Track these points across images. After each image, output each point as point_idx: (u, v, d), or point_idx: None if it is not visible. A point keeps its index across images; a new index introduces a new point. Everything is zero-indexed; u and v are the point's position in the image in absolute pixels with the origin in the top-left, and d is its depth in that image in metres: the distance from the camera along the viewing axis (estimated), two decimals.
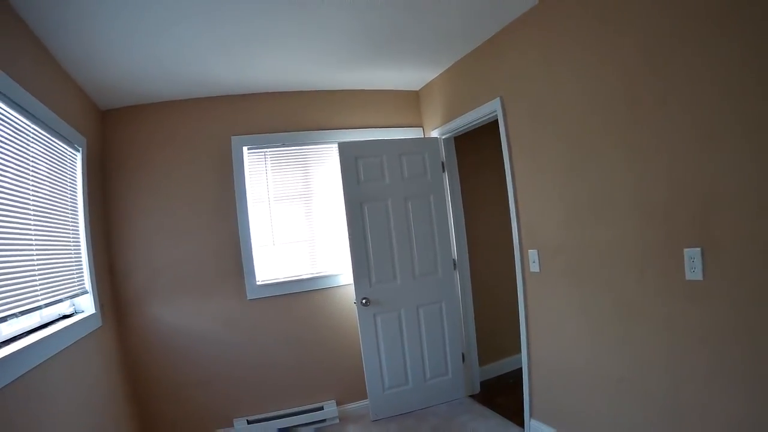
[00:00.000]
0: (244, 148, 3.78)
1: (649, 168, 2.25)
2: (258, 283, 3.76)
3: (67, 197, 2.79)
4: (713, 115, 1.93)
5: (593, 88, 2.52)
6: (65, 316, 2.72)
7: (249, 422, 3.74)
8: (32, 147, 2.29)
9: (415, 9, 2.67)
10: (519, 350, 4.30)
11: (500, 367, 4.40)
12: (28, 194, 2.22)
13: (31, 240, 2.22)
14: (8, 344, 1.96)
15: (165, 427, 3.66)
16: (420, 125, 4.29)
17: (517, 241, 3.24)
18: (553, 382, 3.09)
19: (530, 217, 3.14)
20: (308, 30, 2.84)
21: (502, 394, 4.01)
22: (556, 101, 2.79)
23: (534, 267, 3.12)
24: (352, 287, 3.78)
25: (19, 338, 2.08)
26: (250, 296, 3.74)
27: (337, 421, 3.88)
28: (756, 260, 1.84)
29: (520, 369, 4.21)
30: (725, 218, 1.94)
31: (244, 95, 3.80)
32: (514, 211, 3.25)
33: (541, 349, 3.17)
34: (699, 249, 2.04)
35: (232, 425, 3.74)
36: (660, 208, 2.22)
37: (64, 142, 2.74)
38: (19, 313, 2.05)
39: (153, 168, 3.62)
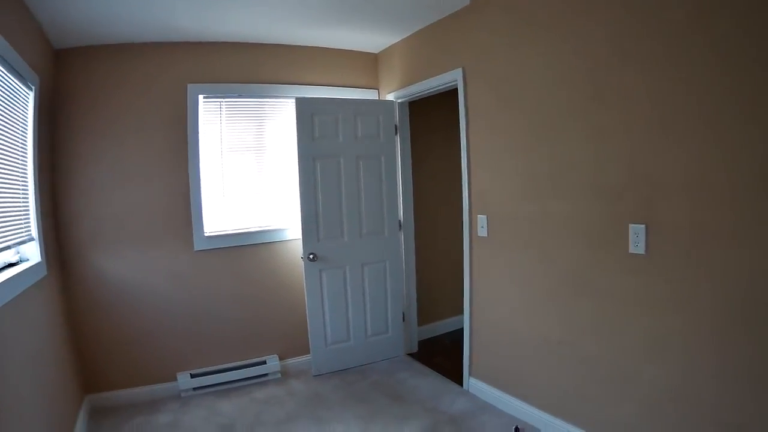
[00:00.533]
0: (200, 97, 3.68)
1: (607, 149, 2.40)
2: (206, 234, 3.71)
3: (17, 139, 2.65)
4: (670, 108, 2.10)
5: (558, 68, 2.63)
6: (10, 265, 2.59)
7: (192, 376, 3.72)
8: None
9: None
10: (456, 313, 4.51)
11: (437, 328, 4.58)
12: None
13: None
14: None
15: (108, 380, 3.61)
16: (376, 87, 4.32)
17: (467, 206, 3.35)
18: (493, 343, 3.26)
19: (482, 186, 3.25)
20: None
21: (440, 354, 4.18)
22: (519, 77, 2.88)
23: (482, 232, 3.25)
24: (300, 242, 3.81)
25: None
26: (197, 247, 3.68)
27: (279, 375, 3.93)
28: (692, 242, 2.04)
29: (457, 331, 4.44)
30: (670, 202, 2.12)
31: (203, 43, 3.68)
32: (466, 177, 3.35)
33: (484, 311, 3.32)
34: (644, 226, 2.22)
35: (176, 379, 3.72)
36: (612, 187, 2.38)
37: (18, 79, 2.56)
38: None
39: (105, 112, 3.45)
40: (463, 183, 3.37)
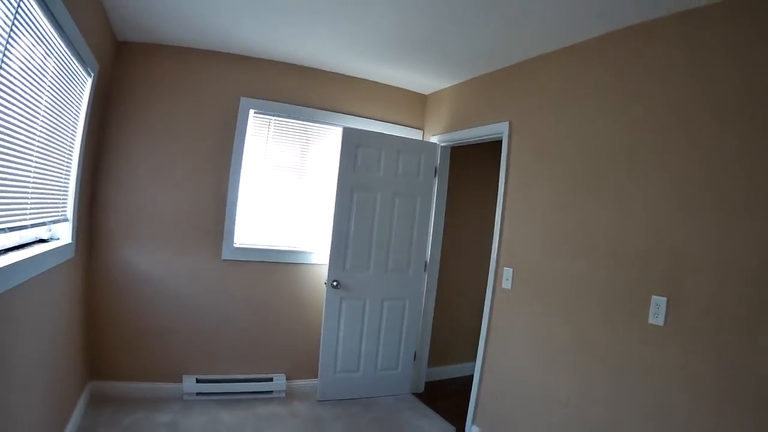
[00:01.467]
0: (251, 111, 3.79)
1: (632, 220, 2.46)
2: (235, 245, 3.78)
3: (69, 121, 2.71)
4: (698, 190, 2.16)
5: (598, 134, 2.71)
6: (41, 241, 2.63)
7: (198, 381, 3.76)
8: (52, 62, 2.20)
9: (456, 18, 2.74)
10: (466, 359, 4.52)
11: (446, 371, 4.58)
12: (39, 111, 2.13)
13: (32, 157, 2.15)
14: None
15: (114, 370, 3.65)
16: (421, 128, 4.41)
17: (495, 256, 3.39)
18: (501, 394, 3.26)
19: (512, 238, 3.29)
20: (345, 22, 2.93)
21: (445, 397, 4.17)
22: (561, 139, 2.96)
23: (506, 284, 3.28)
24: (324, 268, 3.87)
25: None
26: (225, 256, 3.76)
27: (284, 395, 3.95)
28: (712, 318, 2.07)
29: (465, 377, 4.44)
30: (693, 277, 2.16)
31: (260, 59, 3.80)
32: (498, 229, 3.39)
33: (496, 362, 3.33)
34: (665, 298, 2.25)
35: (181, 381, 3.75)
36: (635, 256, 2.42)
37: (80, 63, 2.64)
38: (9, 229, 1.99)
39: (156, 111, 3.57)
40: (494, 234, 3.41)
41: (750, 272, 1.95)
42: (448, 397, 4.19)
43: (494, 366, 3.35)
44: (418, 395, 4.19)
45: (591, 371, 2.62)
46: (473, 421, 3.46)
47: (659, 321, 2.26)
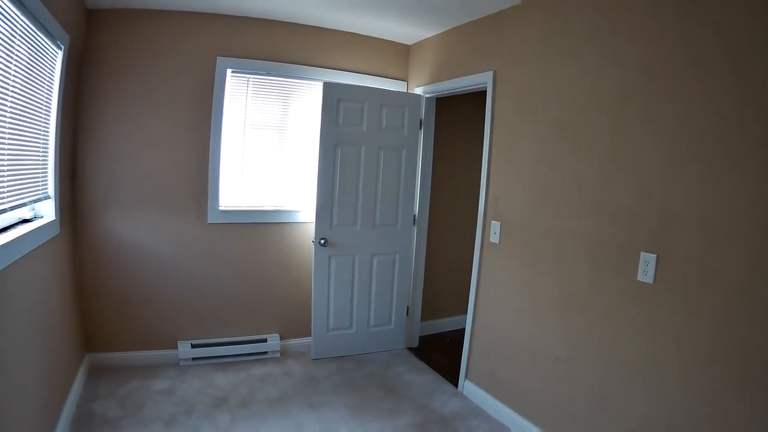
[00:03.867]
0: (228, 71, 3.67)
1: (622, 174, 2.38)
2: (220, 208, 3.73)
3: (42, 97, 2.64)
4: (693, 142, 2.07)
5: (585, 84, 2.60)
6: (25, 221, 2.60)
7: (193, 346, 3.77)
8: (17, 40, 2.11)
9: None
10: (459, 312, 4.49)
11: (440, 325, 4.59)
12: (7, 91, 2.07)
13: (4, 139, 2.10)
14: None
15: (109, 341, 3.66)
16: (404, 79, 4.29)
17: (483, 209, 3.34)
18: (492, 349, 3.27)
19: (499, 191, 3.23)
20: None
21: (438, 351, 4.19)
22: (547, 88, 2.85)
23: (494, 238, 3.23)
24: (312, 226, 3.82)
25: None
26: (210, 220, 3.71)
27: (279, 355, 3.97)
28: (700, 277, 2.03)
29: (458, 330, 4.44)
30: (681, 234, 2.10)
31: (236, 17, 3.65)
32: (485, 181, 3.32)
33: (487, 316, 3.32)
34: (655, 255, 2.20)
35: (176, 347, 3.76)
36: (623, 210, 2.37)
37: (48, 38, 2.54)
38: None
39: (131, 77, 3.45)
40: (481, 187, 3.35)
41: (740, 231, 1.89)
42: (442, 350, 4.21)
43: (485, 321, 3.34)
44: (412, 350, 4.21)
45: (580, 327, 2.61)
46: (466, 376, 3.47)
47: (648, 278, 2.22)
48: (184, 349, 3.74)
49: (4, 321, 2.02)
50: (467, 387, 3.44)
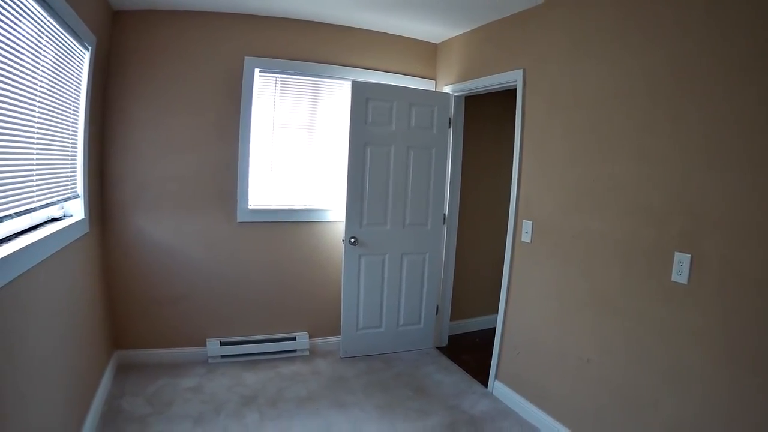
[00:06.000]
0: (256, 70, 3.68)
1: (655, 174, 2.33)
2: (250, 207, 3.74)
3: (70, 98, 2.67)
4: (723, 143, 2.02)
5: (616, 84, 2.55)
6: (54, 219, 2.63)
7: (222, 344, 3.78)
8: (45, 41, 2.14)
9: None
10: (489, 312, 4.48)
11: (469, 324, 4.55)
12: (36, 92, 2.10)
13: (33, 139, 2.12)
14: (7, 242, 1.87)
15: (137, 338, 3.69)
16: (433, 78, 4.26)
17: (514, 209, 3.29)
18: (522, 350, 3.23)
19: (530, 190, 3.18)
20: None
21: (468, 351, 4.15)
22: (577, 88, 2.80)
23: (525, 237, 3.19)
24: (342, 225, 3.82)
25: (9, 240, 1.96)
26: (239, 219, 3.72)
27: (307, 353, 3.97)
28: (733, 279, 1.98)
29: (486, 330, 4.42)
30: (713, 236, 2.06)
31: (263, 17, 3.66)
32: (516, 180, 3.28)
33: (517, 316, 3.28)
34: (689, 255, 2.14)
35: (205, 345, 3.78)
36: (658, 211, 2.31)
37: (75, 39, 2.57)
38: (16, 213, 1.96)
39: (159, 77, 3.47)
40: (512, 186, 3.31)
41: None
42: (470, 350, 4.17)
43: (515, 321, 3.30)
44: (441, 349, 4.18)
45: (610, 329, 2.57)
46: (496, 376, 3.43)
47: (683, 279, 2.17)
48: (213, 347, 3.76)
49: (34, 318, 2.04)
50: (497, 387, 3.40)
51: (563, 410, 2.86)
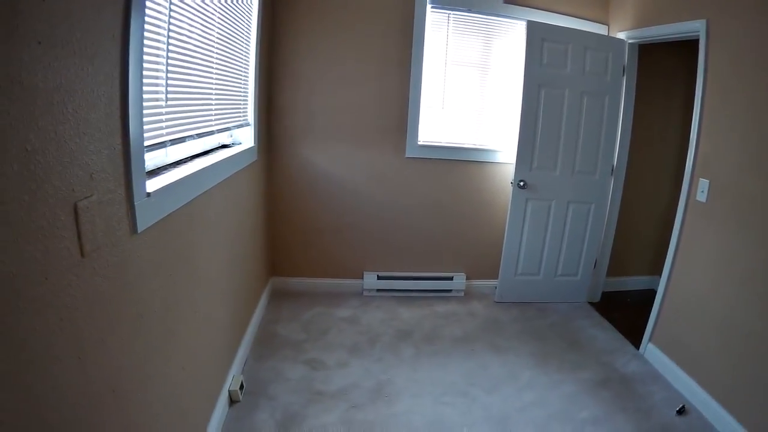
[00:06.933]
0: (428, 6, 3.61)
1: None
2: (419, 143, 3.74)
3: (242, 28, 2.73)
4: None
5: None
6: (224, 146, 2.72)
7: (379, 278, 3.84)
8: None
9: None
10: (646, 272, 4.31)
11: (622, 283, 4.37)
12: (214, 21, 2.16)
13: (212, 66, 2.19)
14: (178, 165, 1.95)
15: (294, 268, 3.83)
16: (605, 23, 4.04)
17: (690, 166, 3.06)
18: (683, 314, 3.02)
19: (709, 148, 2.93)
20: None
21: (618, 310, 4.01)
22: (765, 43, 2.52)
23: (701, 197, 2.96)
24: (510, 167, 3.75)
25: (185, 162, 2.03)
26: (408, 154, 3.73)
27: (462, 294, 3.98)
28: None
29: (642, 291, 4.26)
30: None
31: None
32: (695, 137, 3.02)
33: (682, 280, 3.07)
34: None
35: (362, 277, 3.85)
36: None
37: None
38: (197, 135, 2.05)
39: (328, 11, 3.47)
40: (690, 141, 3.06)
41: None
42: (622, 309, 4.02)
43: (680, 284, 3.09)
44: (592, 304, 4.06)
45: None
46: (650, 339, 3.28)
47: None
48: (370, 280, 3.83)
49: (207, 238, 2.13)
50: (650, 350, 3.25)
51: (717, 383, 2.68)
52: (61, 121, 1.00)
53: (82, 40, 1.05)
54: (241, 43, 2.75)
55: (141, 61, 1.35)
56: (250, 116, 3.03)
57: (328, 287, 3.87)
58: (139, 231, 1.36)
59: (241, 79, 2.80)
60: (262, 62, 3.18)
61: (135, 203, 1.33)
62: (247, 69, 2.95)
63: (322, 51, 3.52)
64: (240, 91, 2.81)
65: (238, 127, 2.81)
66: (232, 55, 2.56)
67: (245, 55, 2.86)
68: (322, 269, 3.87)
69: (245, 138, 3.00)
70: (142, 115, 1.38)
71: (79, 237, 1.06)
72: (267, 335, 3.23)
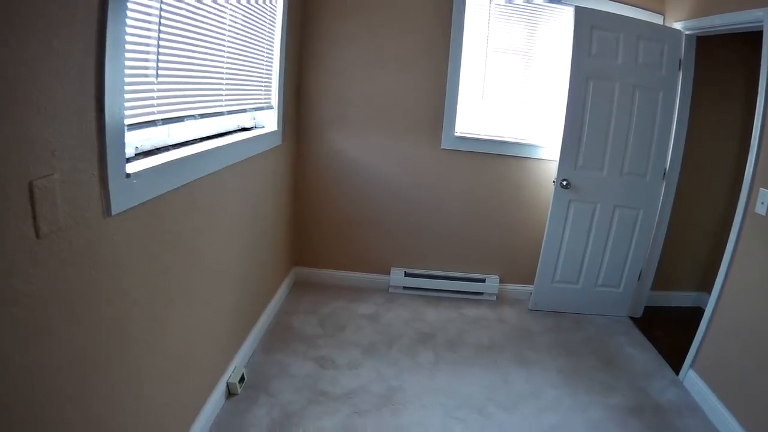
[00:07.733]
0: None
1: None
2: (456, 134, 3.50)
3: (265, 10, 2.60)
4: None
5: None
6: (243, 129, 2.61)
7: (407, 274, 3.63)
8: None
9: None
10: (693, 288, 3.97)
11: (666, 298, 4.03)
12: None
13: (223, 44, 2.08)
14: (191, 144, 1.94)
15: (318, 259, 3.67)
16: (661, 12, 3.72)
17: (750, 175, 2.72)
18: (731, 341, 2.66)
19: None
20: None
21: (662, 327, 3.67)
22: None
23: (760, 209, 2.62)
24: (552, 164, 3.49)
25: (193, 143, 1.98)
26: (444, 145, 3.50)
27: (494, 298, 3.73)
28: None
29: (685, 308, 3.93)
30: None
31: None
32: (756, 142, 2.67)
33: (733, 301, 2.71)
34: None
35: (388, 273, 3.66)
36: None
37: None
38: (200, 115, 1.95)
39: None
40: (751, 148, 2.72)
41: None
42: (665, 327, 3.67)
43: (730, 306, 2.72)
44: (634, 320, 3.74)
45: None
46: (692, 364, 2.93)
47: None
48: (397, 277, 3.62)
49: (216, 221, 2.07)
50: (690, 377, 2.91)
51: (764, 429, 2.32)
52: (14, 96, 0.92)
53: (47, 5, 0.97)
54: (266, 24, 2.63)
55: (122, 32, 1.26)
56: (274, 99, 2.88)
57: (353, 281, 3.68)
58: (113, 213, 1.28)
59: (263, 60, 2.66)
60: (289, 45, 3.03)
61: (110, 184, 1.26)
62: (272, 50, 2.80)
63: (356, 36, 3.35)
64: (262, 73, 2.67)
65: (257, 109, 2.67)
66: (251, 34, 2.43)
67: (269, 36, 2.72)
68: (348, 262, 3.68)
69: (268, 121, 2.87)
70: (123, 91, 1.30)
71: (34, 217, 1.00)
72: (281, 327, 3.08)
